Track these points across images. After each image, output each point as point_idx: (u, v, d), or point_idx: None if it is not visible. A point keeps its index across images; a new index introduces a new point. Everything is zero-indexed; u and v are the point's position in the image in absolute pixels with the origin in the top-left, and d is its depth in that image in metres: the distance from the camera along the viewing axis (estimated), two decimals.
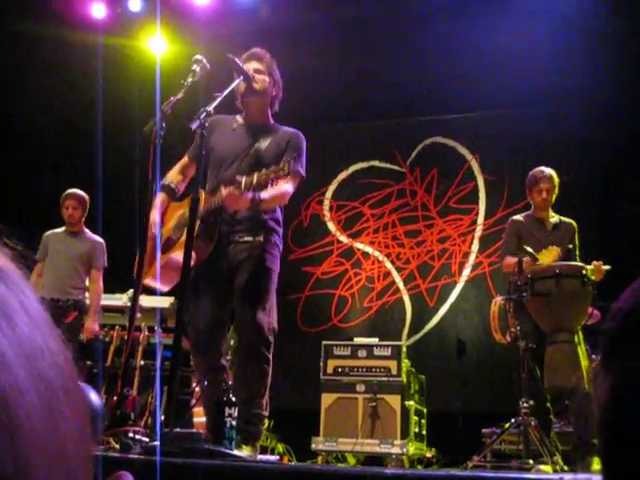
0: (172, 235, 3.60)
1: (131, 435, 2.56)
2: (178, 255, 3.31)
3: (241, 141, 3.71)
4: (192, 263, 3.41)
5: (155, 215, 3.55)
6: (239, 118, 3.83)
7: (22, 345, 0.41)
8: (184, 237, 3.34)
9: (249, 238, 3.60)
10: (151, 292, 5.54)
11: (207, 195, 3.51)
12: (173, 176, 3.78)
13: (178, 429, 2.55)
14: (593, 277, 4.16)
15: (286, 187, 3.53)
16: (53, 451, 0.41)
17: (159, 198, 3.69)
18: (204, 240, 3.49)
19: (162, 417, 3.67)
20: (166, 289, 3.67)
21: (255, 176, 3.17)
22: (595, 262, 4.35)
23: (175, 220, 3.63)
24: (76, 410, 0.45)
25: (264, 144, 3.67)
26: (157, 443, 2.21)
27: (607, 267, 4.40)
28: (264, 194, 3.30)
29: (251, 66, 3.66)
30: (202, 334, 3.62)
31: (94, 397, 2.00)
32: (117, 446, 2.56)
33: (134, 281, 3.28)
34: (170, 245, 3.56)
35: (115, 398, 4.02)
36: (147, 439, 2.57)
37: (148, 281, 3.58)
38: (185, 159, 3.84)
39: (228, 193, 3.21)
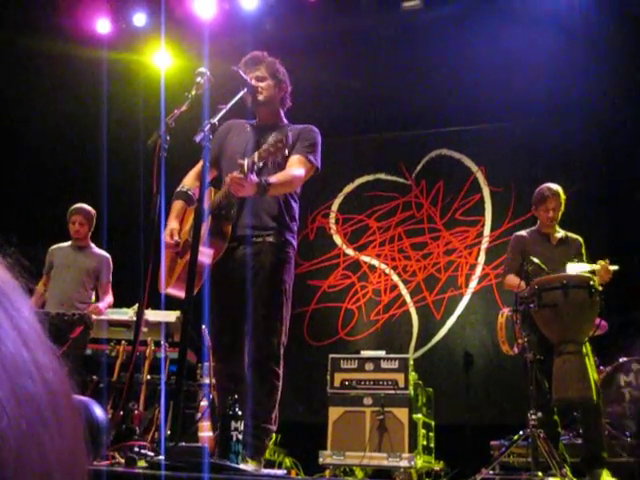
0: (189, 238, 3.51)
1: (136, 449, 2.54)
2: (200, 255, 3.20)
3: (252, 140, 3.66)
4: (210, 261, 3.40)
5: (170, 227, 3.52)
6: (252, 121, 3.81)
7: (5, 366, 0.41)
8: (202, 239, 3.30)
9: (261, 233, 3.50)
10: (157, 306, 5.57)
11: (217, 191, 3.46)
12: (189, 182, 3.72)
13: (183, 443, 2.53)
14: (598, 279, 4.14)
15: (295, 172, 3.45)
16: (36, 470, 0.40)
17: (176, 206, 3.66)
18: (219, 237, 3.41)
19: (167, 431, 3.64)
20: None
21: (255, 155, 3.11)
22: (601, 261, 4.32)
23: (191, 224, 3.56)
24: (66, 427, 0.44)
25: (273, 139, 3.53)
26: (162, 457, 2.20)
27: (615, 267, 4.37)
28: (272, 178, 3.23)
29: (252, 75, 3.63)
30: (223, 340, 3.58)
31: (99, 412, 1.99)
32: (122, 460, 2.54)
33: (155, 294, 3.24)
34: (188, 248, 3.49)
35: (121, 413, 4.00)
36: (152, 453, 2.55)
37: (170, 290, 3.53)
38: (207, 164, 3.79)
39: (231, 177, 3.09)
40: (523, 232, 4.95)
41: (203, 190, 3.06)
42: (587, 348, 4.15)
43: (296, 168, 3.45)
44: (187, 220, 3.66)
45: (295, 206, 3.68)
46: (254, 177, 3.11)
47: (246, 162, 3.05)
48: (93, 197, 6.16)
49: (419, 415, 5.67)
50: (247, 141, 3.65)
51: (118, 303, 6.02)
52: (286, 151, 3.20)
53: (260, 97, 3.63)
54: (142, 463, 2.34)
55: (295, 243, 3.66)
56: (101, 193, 6.26)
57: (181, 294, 3.32)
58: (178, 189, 3.73)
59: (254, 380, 3.46)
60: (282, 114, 3.80)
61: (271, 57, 3.76)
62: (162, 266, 3.64)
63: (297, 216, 3.69)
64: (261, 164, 3.19)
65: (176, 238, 3.52)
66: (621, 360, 5.46)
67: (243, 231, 3.51)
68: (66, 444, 0.44)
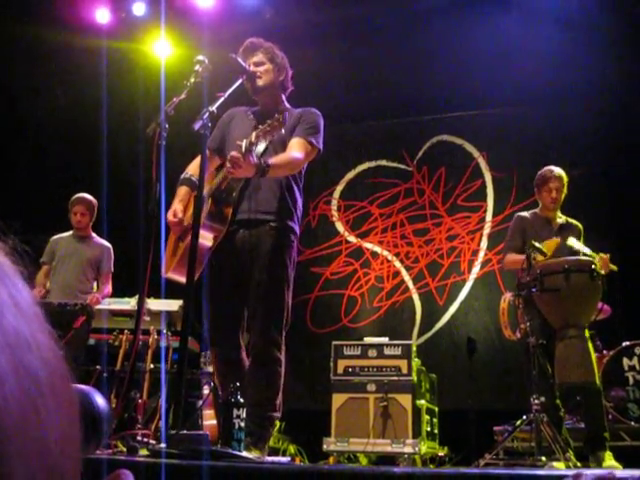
0: (191, 222, 3.49)
1: (138, 438, 2.55)
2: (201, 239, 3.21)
3: (254, 127, 3.58)
4: (210, 244, 3.40)
5: (174, 208, 3.52)
6: (254, 108, 3.80)
7: (6, 335, 0.41)
8: (202, 221, 3.29)
9: (264, 217, 3.49)
10: (159, 296, 5.57)
11: (216, 173, 3.45)
12: (193, 169, 3.70)
13: (184, 431, 2.53)
14: (602, 271, 4.13)
15: (295, 154, 3.44)
16: (32, 443, 0.41)
17: (181, 191, 3.66)
18: (219, 220, 3.40)
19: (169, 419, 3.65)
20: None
21: (253, 134, 3.09)
22: (602, 254, 4.30)
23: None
24: (62, 406, 0.45)
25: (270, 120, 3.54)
26: (163, 445, 2.20)
27: (614, 267, 4.35)
28: (271, 159, 3.21)
29: (250, 61, 3.61)
30: (220, 324, 3.55)
31: (100, 401, 1.99)
32: (124, 449, 2.55)
33: (157, 283, 3.24)
34: (189, 232, 3.46)
35: (123, 402, 4.01)
36: (154, 442, 2.56)
37: (170, 274, 3.52)
38: (206, 152, 3.79)
39: (230, 156, 3.06)
40: (525, 213, 4.93)
41: (202, 177, 3.04)
42: (587, 332, 4.15)
43: (296, 150, 3.44)
44: (190, 206, 3.65)
45: (298, 194, 3.66)
46: (253, 157, 3.10)
47: (244, 143, 3.05)
48: (93, 186, 6.16)
49: (422, 401, 5.68)
50: (249, 128, 3.61)
51: (120, 293, 6.03)
52: (282, 130, 3.18)
53: (259, 82, 3.61)
54: (144, 452, 2.34)
55: (297, 229, 3.63)
56: (101, 182, 6.26)
57: (181, 279, 3.31)
58: (182, 175, 3.74)
59: (256, 367, 3.45)
60: (283, 98, 3.78)
61: (269, 42, 3.73)
62: (163, 250, 3.64)
63: (300, 204, 3.66)
64: (262, 147, 3.17)
65: (180, 216, 3.50)
66: (624, 344, 5.46)
67: (243, 215, 3.49)
68: (63, 421, 0.44)
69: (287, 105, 3.78)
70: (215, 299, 3.57)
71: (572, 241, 4.37)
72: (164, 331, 5.67)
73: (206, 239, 3.35)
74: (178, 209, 3.55)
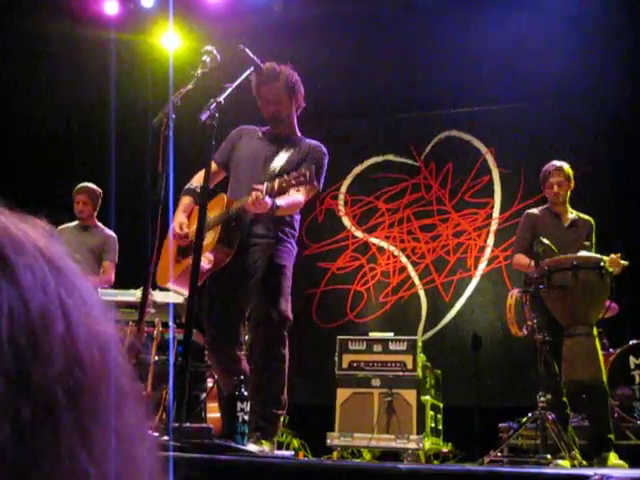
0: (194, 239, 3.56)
1: None
2: (202, 260, 3.33)
3: (264, 149, 3.75)
4: (210, 267, 3.52)
5: (179, 220, 3.58)
6: (264, 130, 3.89)
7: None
8: (207, 241, 3.43)
9: (264, 237, 3.63)
10: (166, 288, 5.57)
11: (229, 199, 3.55)
12: (198, 180, 3.74)
13: (188, 424, 2.53)
14: (611, 269, 4.10)
15: (300, 197, 3.57)
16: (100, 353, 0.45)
17: (184, 201, 3.74)
18: (225, 245, 3.51)
19: (164, 412, 3.66)
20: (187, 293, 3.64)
21: (277, 182, 3.19)
22: (613, 255, 4.26)
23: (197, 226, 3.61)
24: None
25: (284, 155, 3.70)
26: (167, 438, 2.19)
27: (625, 263, 4.31)
28: (280, 201, 3.33)
29: (271, 93, 3.70)
30: (219, 326, 3.63)
31: None
32: None
33: (149, 278, 3.26)
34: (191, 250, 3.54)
35: None
36: (157, 434, 2.55)
37: (170, 285, 3.68)
38: (213, 165, 3.81)
39: (256, 198, 3.21)
40: (535, 210, 4.88)
41: (208, 171, 3.04)
42: (594, 331, 4.12)
43: (302, 193, 3.55)
44: (194, 220, 3.67)
45: (297, 217, 3.82)
46: (269, 200, 3.24)
47: (266, 186, 3.19)
48: (102, 178, 6.16)
49: (427, 397, 5.67)
50: (258, 151, 3.75)
51: (126, 284, 6.01)
52: (302, 189, 3.34)
53: (282, 116, 3.75)
54: None
55: (295, 244, 3.79)
56: (110, 174, 6.25)
57: (182, 290, 3.41)
58: (187, 186, 3.82)
59: (261, 365, 3.51)
60: (295, 123, 3.87)
61: (285, 67, 3.76)
62: (164, 257, 3.75)
63: (298, 222, 3.83)
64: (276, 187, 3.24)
65: (185, 230, 3.56)
66: (631, 342, 5.43)
67: (246, 239, 3.61)
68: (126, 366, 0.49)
69: (298, 132, 3.87)
70: (211, 308, 3.66)
71: (583, 253, 4.32)
72: (171, 323, 5.67)
73: (209, 262, 3.50)
74: (184, 222, 3.63)
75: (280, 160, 3.67)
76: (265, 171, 3.63)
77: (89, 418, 0.41)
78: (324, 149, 3.81)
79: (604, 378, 4.12)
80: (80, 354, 0.42)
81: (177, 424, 2.42)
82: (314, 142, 3.82)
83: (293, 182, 3.17)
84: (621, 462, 3.97)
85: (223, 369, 3.65)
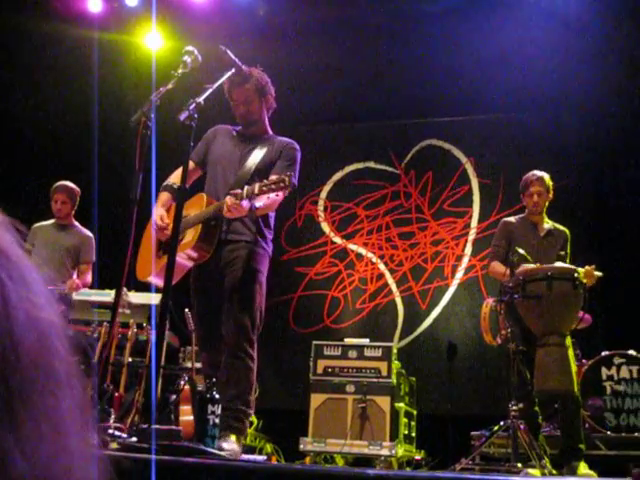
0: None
1: (110, 432, 2.52)
2: (178, 256, 3.37)
3: (238, 148, 3.85)
4: (191, 264, 3.65)
5: (159, 213, 3.61)
6: (238, 129, 3.99)
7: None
8: (186, 239, 3.56)
9: (241, 235, 3.69)
10: (142, 289, 5.53)
11: (209, 198, 3.64)
12: (175, 179, 3.80)
13: (157, 426, 2.51)
14: (585, 280, 4.13)
15: (278, 197, 3.59)
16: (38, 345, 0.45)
17: (162, 197, 3.80)
18: (205, 243, 3.58)
19: (136, 414, 3.65)
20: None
21: (257, 186, 3.25)
22: (587, 266, 4.30)
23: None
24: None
25: (259, 153, 3.79)
26: (134, 440, 2.17)
27: (599, 273, 4.34)
28: (259, 202, 3.39)
29: (241, 95, 3.80)
30: (205, 330, 3.76)
31: None
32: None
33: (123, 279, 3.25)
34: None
35: (95, 394, 3.96)
36: (125, 435, 2.53)
37: (150, 278, 3.73)
38: (190, 163, 3.85)
39: (232, 204, 3.29)
40: (512, 218, 4.93)
41: (185, 169, 3.03)
42: (568, 341, 4.15)
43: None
44: (171, 218, 3.71)
45: (272, 215, 3.89)
46: (247, 203, 3.33)
47: (245, 190, 3.27)
48: (84, 177, 6.10)
49: (401, 404, 5.67)
50: (233, 150, 3.86)
51: (105, 284, 5.96)
52: (280, 193, 3.34)
53: (252, 118, 3.86)
54: (115, 445, 2.31)
55: (270, 246, 3.86)
56: (92, 173, 6.20)
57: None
58: (165, 183, 3.89)
59: (228, 360, 3.56)
60: (267, 123, 3.98)
61: (255, 69, 3.86)
62: (145, 251, 3.79)
63: (273, 223, 3.90)
64: (259, 199, 3.34)
65: (166, 221, 3.60)
66: (604, 354, 5.48)
67: (222, 235, 3.69)
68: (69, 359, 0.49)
69: (270, 131, 3.98)
70: (198, 307, 3.79)
71: (558, 264, 4.35)
72: (153, 325, 5.63)
73: (189, 260, 3.61)
74: (164, 215, 3.68)
75: (255, 158, 3.77)
76: (241, 169, 3.73)
77: (20, 402, 0.40)
78: (296, 145, 3.90)
79: (576, 388, 4.14)
80: (16, 336, 0.42)
81: (145, 426, 2.40)
82: (286, 139, 3.92)
83: (273, 187, 3.22)
84: (590, 472, 4.00)
85: (213, 365, 3.70)
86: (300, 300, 7.86)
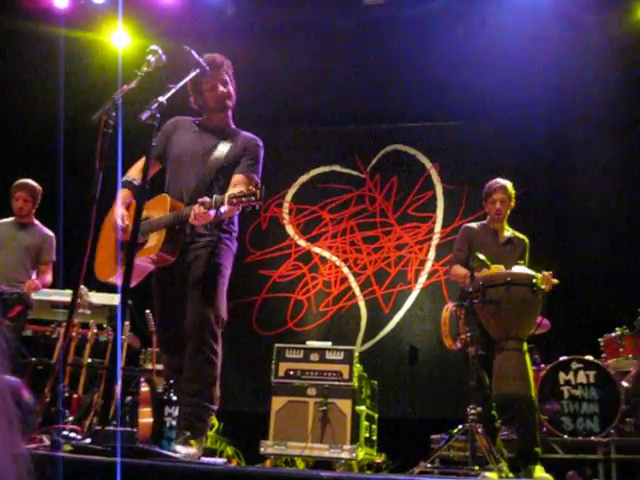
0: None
1: (64, 433, 2.49)
2: (140, 259, 3.40)
3: (201, 144, 3.74)
4: (152, 267, 3.56)
5: (119, 210, 3.54)
6: (200, 121, 3.86)
7: None
8: (150, 243, 3.48)
9: (205, 237, 3.63)
10: (104, 289, 5.47)
11: (173, 202, 3.54)
12: (135, 173, 3.73)
13: (111, 427, 2.48)
14: (542, 286, 4.19)
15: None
16: None
17: (122, 193, 3.67)
18: (169, 247, 3.50)
19: (95, 416, 3.61)
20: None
21: (226, 198, 3.20)
22: (544, 272, 4.36)
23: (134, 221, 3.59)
24: None
25: (223, 148, 3.70)
26: (87, 441, 2.15)
27: (556, 281, 4.40)
28: (224, 208, 3.33)
29: (218, 79, 3.71)
30: (167, 333, 3.66)
31: (25, 393, 1.93)
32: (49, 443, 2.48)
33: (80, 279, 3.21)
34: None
35: (50, 395, 3.92)
36: (80, 437, 2.50)
37: (112, 279, 3.61)
38: (152, 143, 3.78)
39: (199, 213, 3.25)
40: (473, 224, 4.98)
41: (146, 170, 3.00)
42: (525, 346, 4.20)
43: (241, 189, 3.51)
44: (131, 219, 3.65)
45: (235, 212, 3.78)
46: (213, 212, 3.28)
47: (214, 199, 3.22)
48: (49, 175, 6.00)
49: (362, 407, 5.69)
50: (196, 145, 3.74)
51: (65, 284, 5.88)
52: (250, 207, 3.28)
53: (229, 102, 3.76)
54: (68, 447, 2.29)
55: (235, 243, 3.78)
56: (57, 171, 6.12)
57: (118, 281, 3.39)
58: (124, 178, 3.76)
59: (191, 354, 3.48)
60: (230, 118, 3.88)
61: (224, 58, 3.80)
62: (104, 251, 3.71)
63: (237, 222, 3.82)
64: (225, 207, 3.27)
65: (126, 222, 3.53)
66: (561, 358, 5.56)
67: (188, 237, 3.62)
68: None
69: (232, 125, 3.88)
70: (160, 310, 3.70)
71: (517, 269, 4.40)
72: (117, 326, 5.57)
73: (153, 263, 3.54)
74: (125, 214, 3.59)
75: (219, 154, 3.68)
76: (204, 167, 3.64)
77: None
78: (260, 142, 3.83)
79: (532, 393, 4.20)
80: None
81: (99, 427, 2.38)
82: (250, 135, 3.84)
83: (244, 200, 3.16)
84: (547, 475, 4.05)
85: (175, 369, 3.60)
86: (263, 302, 7.85)
